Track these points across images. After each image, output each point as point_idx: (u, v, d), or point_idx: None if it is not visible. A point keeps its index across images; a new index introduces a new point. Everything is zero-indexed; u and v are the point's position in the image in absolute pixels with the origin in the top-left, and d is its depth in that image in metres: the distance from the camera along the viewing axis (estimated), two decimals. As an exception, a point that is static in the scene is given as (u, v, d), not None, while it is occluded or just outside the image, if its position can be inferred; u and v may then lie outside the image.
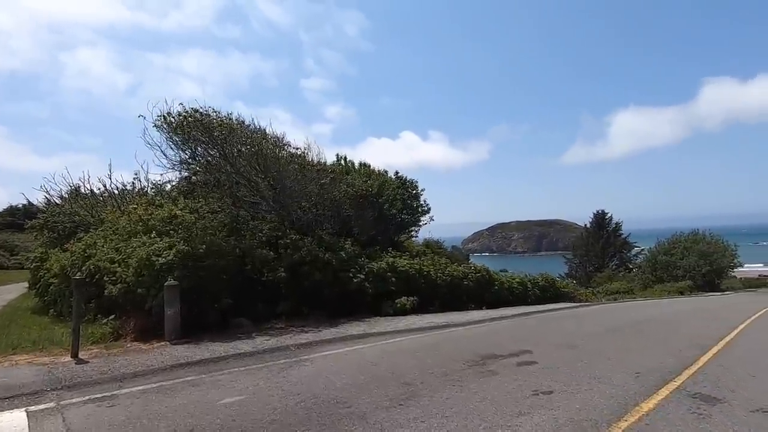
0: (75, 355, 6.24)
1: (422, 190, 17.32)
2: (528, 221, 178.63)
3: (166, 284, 7.40)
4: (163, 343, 7.20)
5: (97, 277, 8.97)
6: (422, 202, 17.05)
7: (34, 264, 12.88)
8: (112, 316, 8.22)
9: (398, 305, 10.78)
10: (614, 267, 43.76)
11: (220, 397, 4.20)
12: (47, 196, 14.21)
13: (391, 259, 11.60)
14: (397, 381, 4.66)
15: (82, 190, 14.94)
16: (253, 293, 9.23)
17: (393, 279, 11.16)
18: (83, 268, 9.26)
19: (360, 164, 15.07)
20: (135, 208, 9.78)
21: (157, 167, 9.81)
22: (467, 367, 5.30)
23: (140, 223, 9.58)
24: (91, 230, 12.30)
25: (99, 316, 8.66)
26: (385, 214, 14.16)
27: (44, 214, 14.64)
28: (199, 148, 9.83)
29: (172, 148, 9.72)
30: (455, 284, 12.95)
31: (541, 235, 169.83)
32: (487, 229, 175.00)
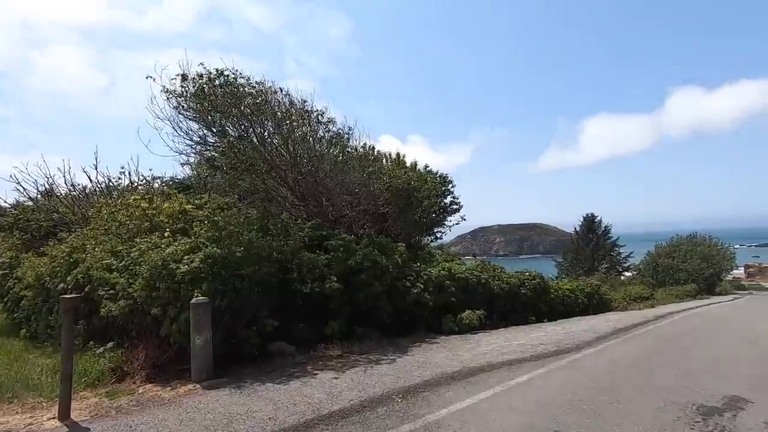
0: (65, 417, 4.08)
1: (453, 186, 15.43)
2: (509, 225, 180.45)
3: (192, 302, 5.29)
4: (190, 386, 5.08)
5: (87, 289, 6.77)
6: (455, 199, 15.15)
7: (1, 271, 10.43)
8: (111, 344, 6.03)
9: (464, 321, 8.84)
10: (604, 270, 43.06)
11: None
12: (18, 188, 11.73)
13: (448, 264, 9.67)
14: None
15: (63, 184, 12.51)
16: (292, 310, 7.15)
17: (452, 289, 9.22)
18: (68, 278, 7.03)
19: (389, 155, 13.05)
20: (137, 200, 7.58)
21: (164, 148, 7.56)
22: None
23: (145, 220, 7.41)
24: (73, 230, 10.00)
25: (92, 342, 6.48)
26: (426, 212, 12.21)
27: (15, 211, 12.15)
28: (214, 126, 7.66)
29: (181, 124, 7.54)
30: (513, 293, 11.11)
31: (522, 238, 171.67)
32: (470, 233, 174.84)
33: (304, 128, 7.78)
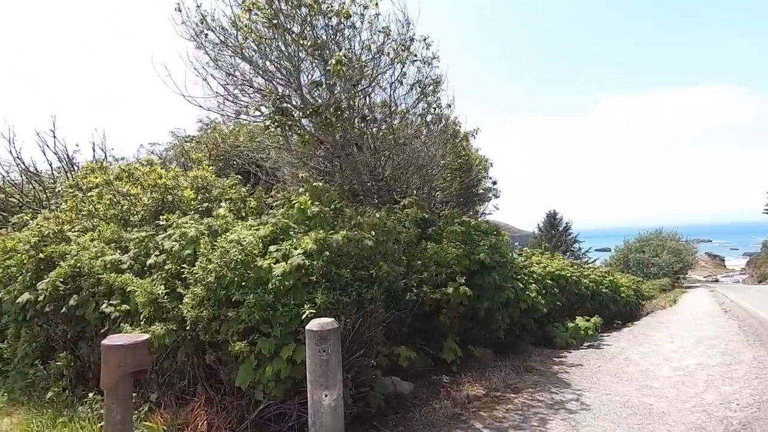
0: None
1: (491, 167, 13.21)
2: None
3: (312, 327, 2.86)
4: (324, 487, 2.69)
5: (73, 301, 4.16)
6: (494, 184, 13.05)
7: None
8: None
9: (581, 330, 6.88)
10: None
11: None
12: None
13: (544, 261, 7.70)
14: None
15: (9, 155, 9.28)
16: (395, 325, 4.84)
17: (555, 290, 7.27)
18: (39, 285, 4.32)
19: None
20: (150, 165, 4.92)
21: (194, 84, 4.90)
22: None
23: (167, 193, 4.80)
24: (28, 214, 7.03)
25: (82, 390, 3.96)
26: (480, 198, 10.23)
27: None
28: (275, 55, 5.10)
29: (213, 52, 4.97)
30: (596, 292, 9.37)
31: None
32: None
33: (394, 68, 5.43)
